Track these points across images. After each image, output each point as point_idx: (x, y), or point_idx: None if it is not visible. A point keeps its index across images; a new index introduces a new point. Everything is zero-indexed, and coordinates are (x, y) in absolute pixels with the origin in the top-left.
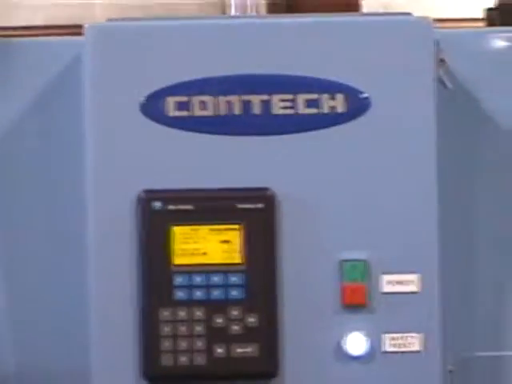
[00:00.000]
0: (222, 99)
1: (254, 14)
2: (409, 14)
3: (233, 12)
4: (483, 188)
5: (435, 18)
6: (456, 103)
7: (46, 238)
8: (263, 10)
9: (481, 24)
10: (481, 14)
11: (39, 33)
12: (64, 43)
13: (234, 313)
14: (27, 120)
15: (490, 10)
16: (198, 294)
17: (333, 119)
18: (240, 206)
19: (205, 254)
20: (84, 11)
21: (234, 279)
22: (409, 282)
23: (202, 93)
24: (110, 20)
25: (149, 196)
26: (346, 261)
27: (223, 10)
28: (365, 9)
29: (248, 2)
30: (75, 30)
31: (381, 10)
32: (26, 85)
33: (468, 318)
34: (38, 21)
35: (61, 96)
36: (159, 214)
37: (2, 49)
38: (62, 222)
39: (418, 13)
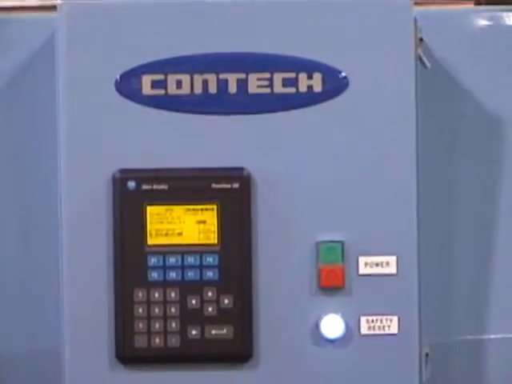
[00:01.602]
0: (198, 77)
1: None
2: None
3: None
4: (462, 169)
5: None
6: (435, 82)
7: (20, 218)
8: None
9: (471, 5)
10: None
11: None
12: (38, 20)
13: (209, 294)
14: (0, 96)
15: None
16: (173, 275)
17: (310, 99)
18: (215, 185)
19: (180, 234)
20: None
21: (209, 260)
22: (386, 264)
23: (177, 71)
24: None
25: (123, 175)
26: (323, 242)
27: None
28: None
29: None
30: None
31: None
32: (1, 61)
33: (445, 303)
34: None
35: (35, 73)
36: (133, 194)
37: None
38: (36, 201)
39: None
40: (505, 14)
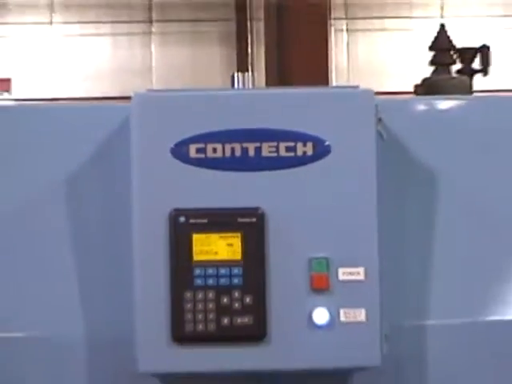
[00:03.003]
0: (228, 146)
1: (250, 87)
2: (357, 86)
3: (236, 85)
4: (412, 204)
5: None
6: (390, 151)
7: (113, 245)
8: (261, 82)
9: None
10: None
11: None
12: (117, 107)
13: (236, 294)
14: (91, 168)
15: (417, 85)
16: (211, 282)
17: (304, 160)
18: (240, 220)
19: (216, 253)
20: None
21: (235, 271)
22: (357, 273)
23: (213, 141)
24: (149, 90)
25: (176, 213)
26: (314, 258)
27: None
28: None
29: (247, 78)
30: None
31: None
32: (90, 140)
33: (399, 295)
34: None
35: (117, 146)
36: (184, 226)
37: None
38: (121, 234)
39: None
40: (438, 102)
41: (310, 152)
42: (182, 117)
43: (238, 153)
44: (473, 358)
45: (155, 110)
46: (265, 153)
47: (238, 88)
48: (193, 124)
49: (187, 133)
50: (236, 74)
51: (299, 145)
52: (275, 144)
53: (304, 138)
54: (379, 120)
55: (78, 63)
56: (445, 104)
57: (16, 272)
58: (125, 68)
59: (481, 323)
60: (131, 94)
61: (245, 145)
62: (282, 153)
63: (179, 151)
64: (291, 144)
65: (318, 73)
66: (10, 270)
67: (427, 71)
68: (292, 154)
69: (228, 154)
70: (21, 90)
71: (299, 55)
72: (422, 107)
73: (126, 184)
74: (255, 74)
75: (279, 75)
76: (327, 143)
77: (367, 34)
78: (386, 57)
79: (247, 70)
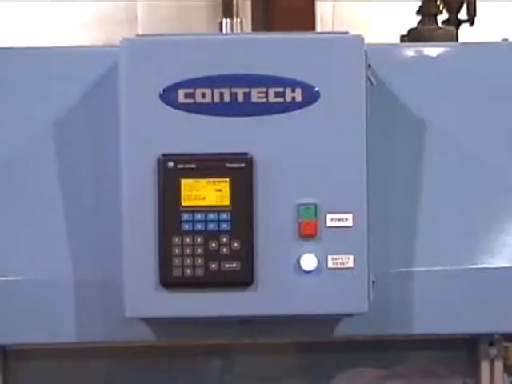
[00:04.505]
0: (217, 91)
1: (239, 32)
2: (347, 32)
3: (224, 31)
4: (399, 151)
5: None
6: (378, 97)
7: (101, 190)
8: (248, 27)
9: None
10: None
11: None
12: (105, 52)
13: (224, 240)
14: (79, 110)
15: (403, 36)
16: (199, 227)
17: (293, 106)
18: (228, 165)
19: (204, 198)
20: None
21: (223, 216)
22: (345, 219)
23: (202, 86)
24: (138, 35)
25: (165, 158)
26: (302, 204)
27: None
28: None
29: (235, 24)
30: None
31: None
32: (79, 85)
33: (386, 242)
34: None
35: (104, 91)
36: (172, 171)
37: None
38: (108, 178)
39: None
40: (425, 49)
41: (299, 98)
42: (171, 62)
43: (226, 98)
44: (456, 303)
45: (144, 54)
46: (254, 98)
47: (227, 33)
48: (182, 69)
49: (176, 78)
50: (224, 20)
51: (288, 90)
52: (264, 90)
53: (293, 84)
54: (369, 66)
55: (63, 13)
56: (431, 51)
57: (7, 218)
58: (111, 18)
59: (464, 271)
60: (118, 42)
61: (234, 90)
62: (271, 98)
63: (168, 96)
64: (280, 90)
65: (304, 23)
66: (4, 215)
67: (413, 23)
68: (281, 100)
69: (217, 99)
70: (7, 39)
71: (285, 4)
72: (409, 53)
73: (114, 129)
74: (242, 21)
75: (265, 26)
76: (316, 89)
77: None
78: (372, 10)
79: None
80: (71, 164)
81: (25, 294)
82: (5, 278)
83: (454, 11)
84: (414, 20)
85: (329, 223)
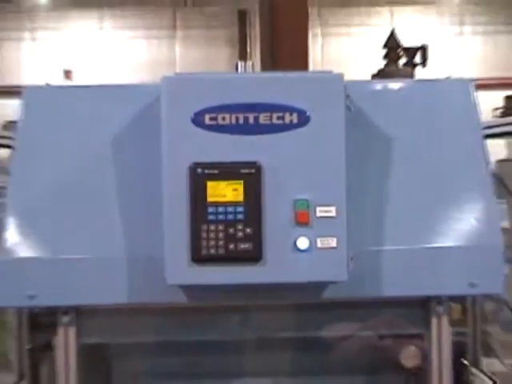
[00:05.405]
0: (234, 115)
1: (250, 72)
2: (331, 71)
3: (239, 71)
4: (371, 159)
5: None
6: (355, 120)
7: (149, 189)
8: (257, 69)
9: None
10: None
11: None
12: (150, 87)
13: (239, 227)
14: (133, 130)
15: (373, 74)
16: (220, 217)
17: (291, 126)
18: (242, 171)
19: (224, 196)
20: None
21: (239, 209)
22: (330, 211)
23: (223, 112)
24: (175, 74)
25: (195, 166)
26: (298, 199)
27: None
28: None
29: (248, 66)
30: None
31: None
32: (132, 111)
33: (361, 226)
34: None
35: (151, 116)
36: (200, 175)
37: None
38: (154, 180)
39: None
40: (389, 84)
41: (295, 120)
42: (200, 94)
43: (241, 121)
44: (414, 273)
45: (179, 89)
46: (261, 121)
47: (241, 73)
48: (207, 99)
49: (203, 106)
50: (240, 63)
51: (287, 115)
52: (269, 114)
53: (291, 110)
54: (347, 96)
55: (121, 59)
56: (394, 85)
57: (80, 210)
58: (156, 62)
59: (421, 249)
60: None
61: (246, 115)
62: (274, 121)
63: (197, 119)
64: (281, 114)
65: (300, 65)
66: (76, 208)
67: (381, 65)
68: (281, 122)
69: (234, 121)
70: (80, 79)
71: (286, 53)
72: (378, 87)
73: (158, 143)
74: (254, 63)
75: (271, 66)
76: (308, 114)
77: (337, 38)
78: (351, 55)
79: (246, 60)
80: (127, 169)
81: (91, 268)
82: (78, 256)
83: (410, 57)
84: (381, 63)
85: (318, 214)
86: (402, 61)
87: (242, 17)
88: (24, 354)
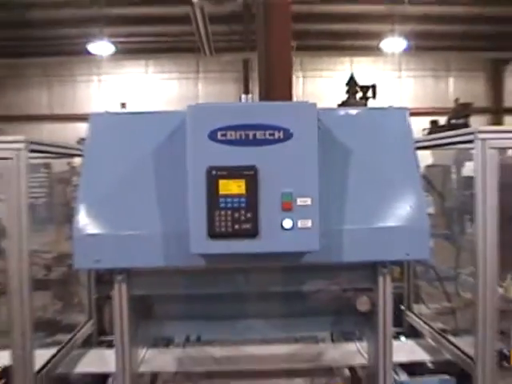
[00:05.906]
0: (238, 132)
1: (251, 102)
2: (307, 101)
3: (243, 101)
4: (335, 164)
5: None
6: (324, 137)
7: (178, 185)
8: (256, 99)
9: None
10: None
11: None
12: (179, 113)
13: (242, 212)
14: (166, 145)
15: (339, 105)
16: (229, 205)
17: (279, 140)
18: (244, 172)
19: (231, 190)
20: None
21: (242, 200)
22: (307, 201)
23: (230, 130)
24: (197, 104)
25: (210, 168)
26: (284, 193)
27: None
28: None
29: (249, 97)
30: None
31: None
32: (164, 130)
33: (329, 212)
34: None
35: (179, 135)
36: (214, 175)
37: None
38: (182, 179)
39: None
40: (349, 111)
41: (281, 136)
42: (215, 117)
43: (243, 136)
44: (366, 245)
45: (200, 114)
46: (258, 136)
47: (244, 102)
48: (220, 121)
49: (216, 126)
50: (243, 95)
51: (276, 132)
52: (263, 132)
53: (278, 128)
54: (319, 119)
55: (160, 94)
56: (353, 112)
57: (130, 201)
58: (183, 97)
59: (372, 228)
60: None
61: (247, 132)
62: (267, 136)
63: (212, 136)
64: (272, 132)
65: (286, 97)
66: (127, 199)
67: (344, 98)
68: (272, 137)
69: (238, 137)
70: (131, 108)
71: (276, 89)
72: (341, 113)
73: (184, 153)
74: (253, 96)
75: (266, 96)
76: (291, 131)
77: (313, 79)
78: (323, 91)
79: (248, 94)
80: (163, 172)
81: (138, 241)
82: (128, 233)
83: (364, 92)
84: (344, 96)
85: (298, 203)
86: (359, 95)
87: (246, 64)
88: (92, 302)
